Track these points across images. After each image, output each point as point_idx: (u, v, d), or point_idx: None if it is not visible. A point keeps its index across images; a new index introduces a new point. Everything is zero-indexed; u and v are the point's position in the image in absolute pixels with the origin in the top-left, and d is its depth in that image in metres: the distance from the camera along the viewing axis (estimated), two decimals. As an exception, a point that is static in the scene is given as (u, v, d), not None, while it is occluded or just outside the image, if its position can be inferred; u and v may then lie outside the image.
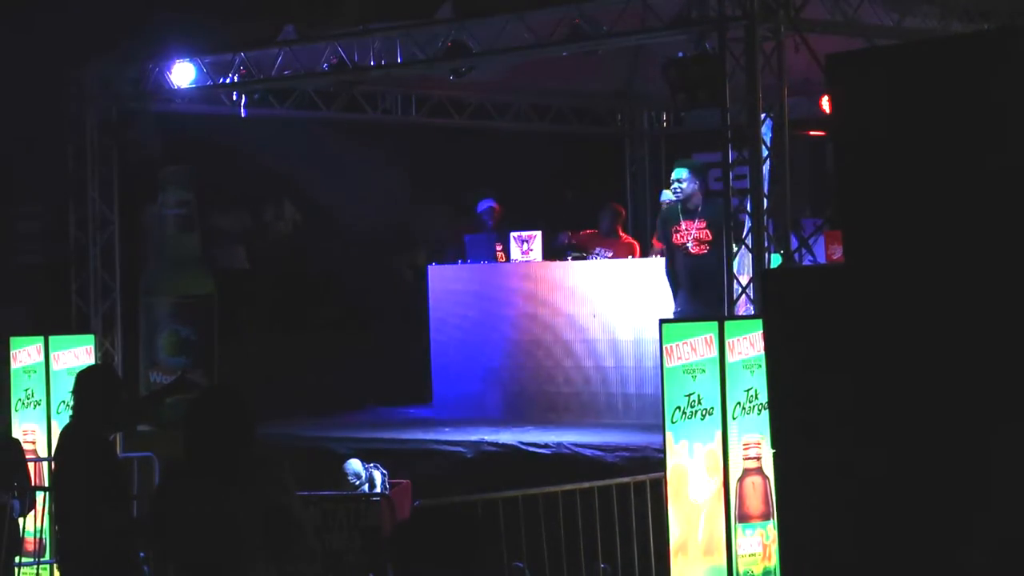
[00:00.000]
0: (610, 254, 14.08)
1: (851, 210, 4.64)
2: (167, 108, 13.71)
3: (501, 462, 11.84)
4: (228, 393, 6.49)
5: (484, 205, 15.35)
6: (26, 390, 12.76)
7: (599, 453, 11.50)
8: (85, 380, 7.95)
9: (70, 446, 7.90)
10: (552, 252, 13.97)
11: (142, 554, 8.87)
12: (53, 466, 8.64)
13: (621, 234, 14.55)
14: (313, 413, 14.54)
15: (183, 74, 13.18)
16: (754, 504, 9.50)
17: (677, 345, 9.50)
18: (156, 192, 14.27)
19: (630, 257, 13.94)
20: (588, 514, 10.19)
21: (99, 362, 12.58)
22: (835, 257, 13.16)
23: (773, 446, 4.83)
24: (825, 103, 13.12)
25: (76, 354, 12.85)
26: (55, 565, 11.09)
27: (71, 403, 7.94)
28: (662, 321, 9.86)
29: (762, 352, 8.46)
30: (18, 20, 14.20)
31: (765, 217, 10.57)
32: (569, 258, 13.79)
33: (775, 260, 10.70)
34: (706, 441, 9.46)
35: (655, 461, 10.17)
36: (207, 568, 6.23)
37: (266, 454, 6.46)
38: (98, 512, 7.52)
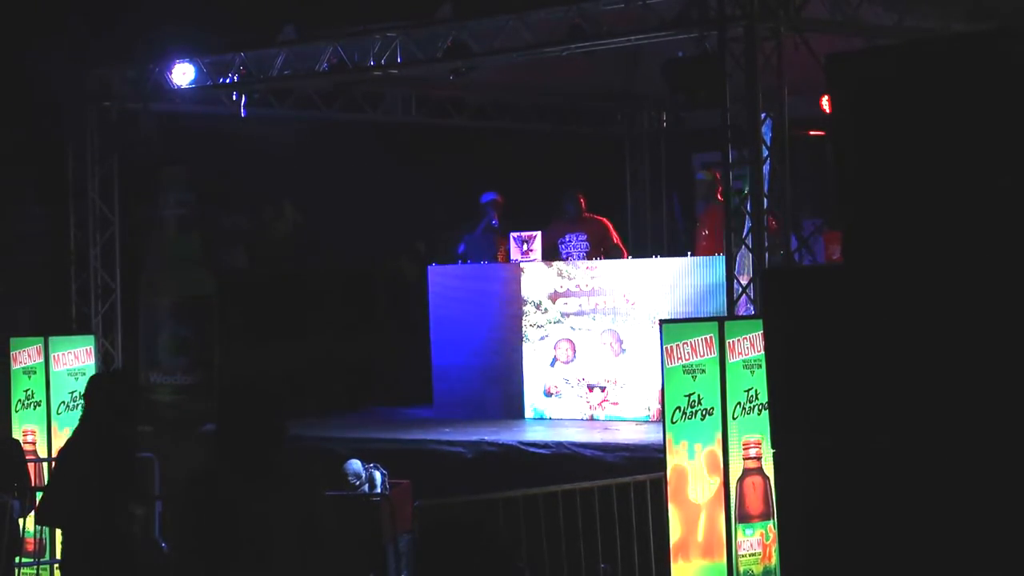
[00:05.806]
0: (584, 237, 14.08)
1: (851, 210, 4.63)
2: (167, 108, 13.70)
3: (501, 462, 11.83)
4: (258, 391, 6.44)
5: (487, 197, 15.30)
6: (26, 391, 12.76)
7: (599, 453, 11.49)
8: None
9: (81, 446, 7.96)
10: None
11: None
12: (54, 466, 8.67)
13: (587, 214, 14.41)
14: (313, 413, 14.53)
15: (183, 74, 13.18)
16: (754, 504, 9.50)
17: (677, 345, 9.50)
18: (156, 192, 14.27)
19: (607, 235, 14.08)
20: (588, 514, 10.18)
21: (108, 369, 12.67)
22: (835, 257, 13.17)
23: (773, 446, 4.83)
24: (825, 103, 13.12)
25: (76, 355, 12.85)
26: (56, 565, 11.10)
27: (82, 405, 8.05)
28: (662, 321, 9.85)
29: (762, 352, 8.46)
30: (17, 20, 14.20)
31: (765, 217, 10.58)
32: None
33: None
34: (706, 441, 9.46)
35: (655, 461, 10.17)
36: (237, 567, 6.18)
37: (305, 464, 6.44)
38: (114, 507, 7.53)
